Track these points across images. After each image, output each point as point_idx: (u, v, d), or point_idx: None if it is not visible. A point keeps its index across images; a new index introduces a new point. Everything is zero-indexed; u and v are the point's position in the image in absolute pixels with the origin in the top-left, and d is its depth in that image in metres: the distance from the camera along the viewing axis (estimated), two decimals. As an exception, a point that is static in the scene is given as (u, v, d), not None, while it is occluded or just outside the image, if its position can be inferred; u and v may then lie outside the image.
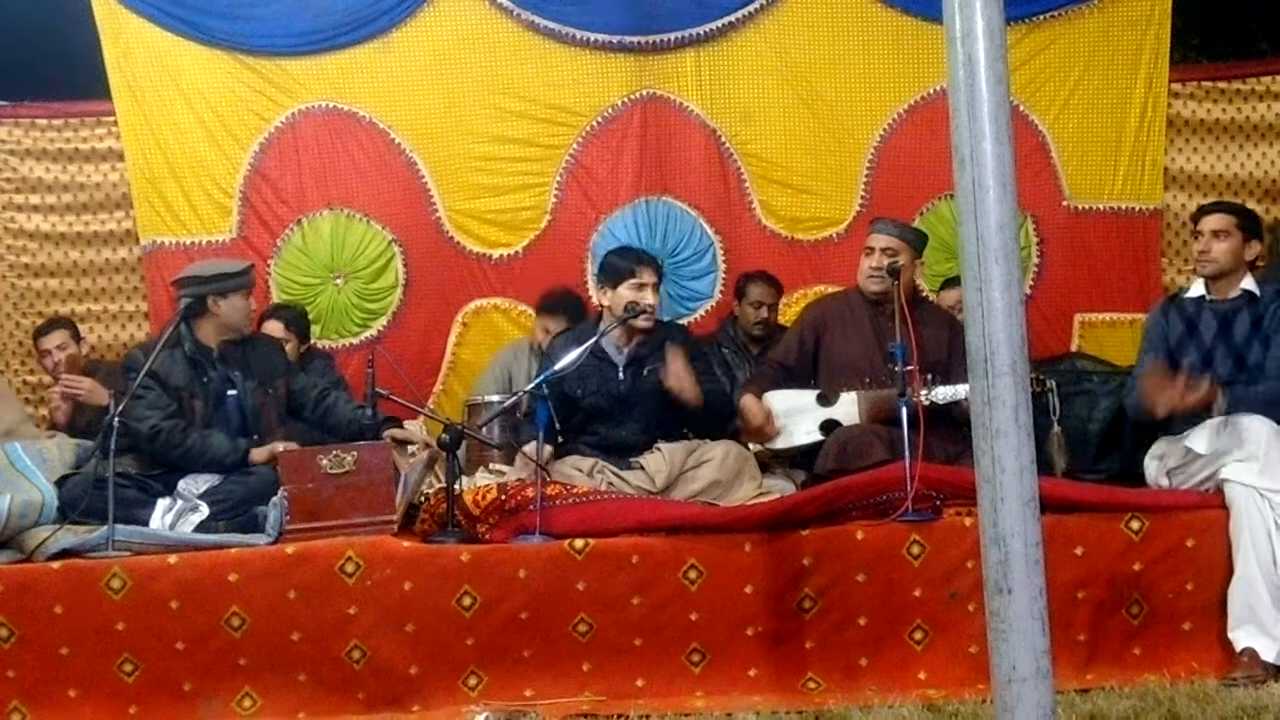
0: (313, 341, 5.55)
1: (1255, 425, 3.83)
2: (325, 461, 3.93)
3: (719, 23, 5.84)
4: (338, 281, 5.82)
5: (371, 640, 3.69)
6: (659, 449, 4.38)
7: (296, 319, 5.34)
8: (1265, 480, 3.70)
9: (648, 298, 4.41)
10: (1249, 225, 4.24)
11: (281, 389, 4.50)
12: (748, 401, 4.55)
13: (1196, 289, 4.28)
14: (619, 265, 4.45)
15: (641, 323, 4.42)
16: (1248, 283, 4.18)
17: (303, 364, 5.15)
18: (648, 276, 4.43)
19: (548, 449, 4.20)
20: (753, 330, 5.49)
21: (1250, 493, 3.70)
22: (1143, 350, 4.38)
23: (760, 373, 4.81)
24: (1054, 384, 4.17)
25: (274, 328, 5.19)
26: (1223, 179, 6.07)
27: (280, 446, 4.25)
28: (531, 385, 4.19)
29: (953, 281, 5.45)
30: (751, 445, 4.57)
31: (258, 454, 4.27)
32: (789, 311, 5.65)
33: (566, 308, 5.35)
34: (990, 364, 2.32)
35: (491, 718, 3.56)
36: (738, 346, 5.51)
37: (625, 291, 4.39)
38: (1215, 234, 4.16)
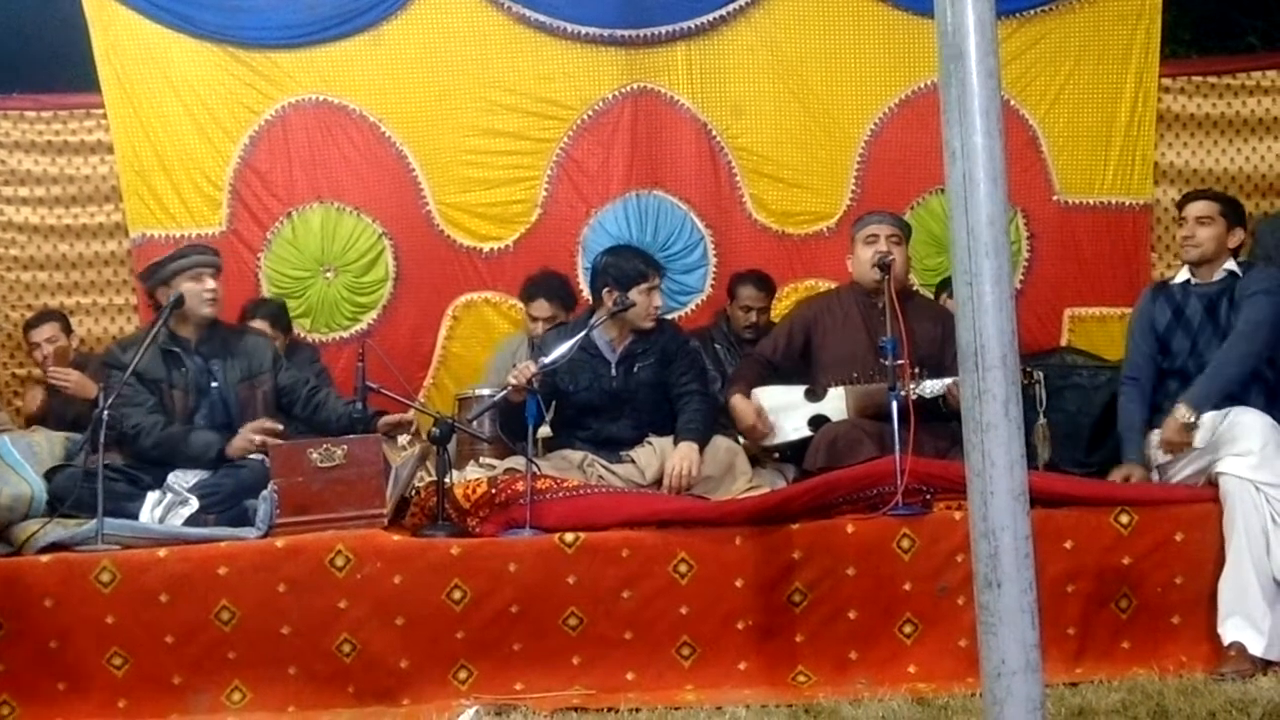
0: (296, 333, 5.54)
1: (1252, 419, 3.85)
2: (315, 455, 3.93)
3: (710, 16, 5.83)
4: (328, 275, 5.81)
5: (361, 634, 3.68)
6: (650, 442, 4.39)
7: (277, 313, 5.32)
8: (1261, 474, 3.71)
9: (656, 301, 4.43)
10: (1232, 213, 4.29)
11: (269, 384, 4.46)
12: (737, 401, 4.54)
13: (1182, 275, 4.32)
14: (629, 269, 4.41)
15: (646, 324, 4.44)
16: (1230, 264, 4.22)
17: (287, 355, 5.12)
18: (657, 280, 4.46)
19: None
20: (743, 333, 5.48)
21: (1245, 486, 3.71)
22: (1129, 337, 4.39)
23: (745, 368, 4.77)
24: (1041, 376, 4.16)
25: (262, 327, 5.16)
26: (1212, 174, 6.06)
27: (256, 437, 4.19)
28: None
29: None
30: (741, 440, 4.57)
31: (232, 448, 4.22)
32: (779, 307, 5.64)
33: (548, 290, 5.33)
34: (980, 358, 2.31)
35: (481, 711, 3.55)
36: (730, 343, 5.50)
37: (636, 296, 4.38)
38: (1200, 220, 4.19)
